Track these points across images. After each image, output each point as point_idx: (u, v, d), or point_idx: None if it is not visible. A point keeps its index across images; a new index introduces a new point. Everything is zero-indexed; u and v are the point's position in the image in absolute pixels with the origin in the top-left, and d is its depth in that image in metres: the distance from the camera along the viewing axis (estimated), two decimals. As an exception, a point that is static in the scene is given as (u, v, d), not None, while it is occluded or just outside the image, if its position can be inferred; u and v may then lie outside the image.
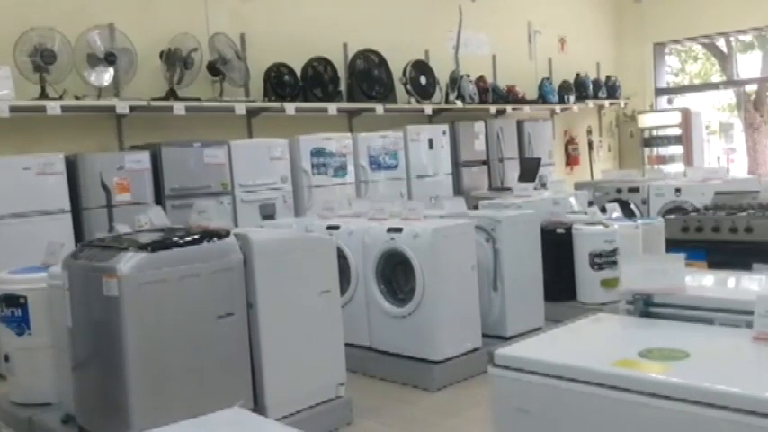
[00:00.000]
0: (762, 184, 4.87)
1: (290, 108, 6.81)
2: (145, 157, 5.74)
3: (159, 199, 5.75)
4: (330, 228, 4.95)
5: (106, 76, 5.88)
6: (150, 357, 3.16)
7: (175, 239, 3.35)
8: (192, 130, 6.37)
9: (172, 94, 6.23)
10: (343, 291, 4.74)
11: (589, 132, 11.35)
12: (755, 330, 1.90)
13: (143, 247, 3.22)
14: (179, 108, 6.10)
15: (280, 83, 6.99)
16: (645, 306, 2.31)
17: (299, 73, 7.13)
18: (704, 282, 2.55)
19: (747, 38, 15.48)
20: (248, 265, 3.45)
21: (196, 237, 3.38)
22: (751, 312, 1.92)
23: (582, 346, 2.16)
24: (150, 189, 5.73)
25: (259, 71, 6.93)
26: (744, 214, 4.04)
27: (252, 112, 6.84)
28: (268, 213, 6.22)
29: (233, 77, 6.66)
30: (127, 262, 3.12)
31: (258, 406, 3.50)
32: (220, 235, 3.42)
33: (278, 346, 3.55)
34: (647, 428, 1.74)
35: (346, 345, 4.05)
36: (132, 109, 5.93)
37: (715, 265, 3.64)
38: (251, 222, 5.94)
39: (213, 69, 6.55)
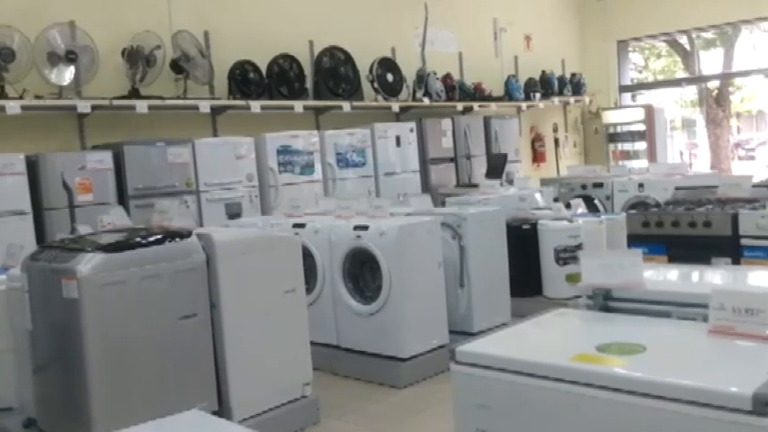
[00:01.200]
0: (721, 179, 4.95)
1: (256, 106, 6.76)
2: (107, 156, 5.65)
3: (122, 199, 5.66)
4: (296, 226, 4.93)
5: (67, 74, 5.77)
6: (112, 360, 3.12)
7: (136, 240, 3.31)
8: (156, 129, 6.29)
9: (134, 93, 6.14)
10: (309, 289, 4.73)
11: (555, 129, 11.46)
12: (710, 324, 1.93)
13: (103, 249, 3.18)
14: (142, 106, 6.02)
15: (245, 80, 6.94)
16: (604, 301, 2.33)
17: (264, 70, 7.08)
18: (663, 276, 2.58)
19: (709, 35, 15.76)
20: (211, 265, 3.42)
21: (157, 237, 3.34)
22: (707, 306, 1.95)
23: (542, 341, 2.18)
24: (113, 189, 5.64)
25: (223, 69, 6.87)
26: (702, 209, 4.10)
27: (216, 110, 6.78)
28: (234, 212, 6.17)
29: (197, 75, 6.59)
30: (86, 263, 3.07)
31: (222, 407, 3.48)
32: (182, 235, 3.39)
33: (242, 346, 3.52)
34: (606, 422, 1.75)
35: (313, 343, 4.05)
36: (94, 108, 5.83)
37: (675, 259, 3.70)
38: (217, 221, 5.89)
39: (177, 67, 6.47)
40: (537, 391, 1.87)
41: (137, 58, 6.18)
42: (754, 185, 4.55)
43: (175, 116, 6.55)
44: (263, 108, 6.84)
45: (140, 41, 6.21)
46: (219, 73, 6.84)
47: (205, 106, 6.48)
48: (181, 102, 6.41)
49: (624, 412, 1.71)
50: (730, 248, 3.77)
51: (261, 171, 6.53)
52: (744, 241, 3.76)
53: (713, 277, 2.57)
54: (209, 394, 3.45)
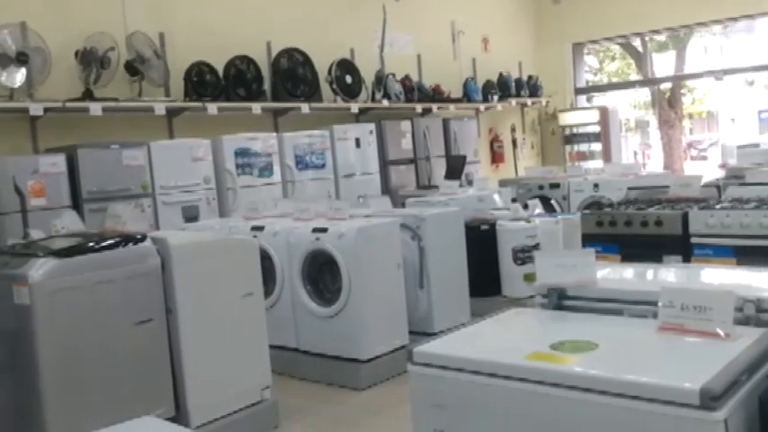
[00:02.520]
0: (672, 179, 5.06)
1: (213, 107, 6.69)
2: (60, 159, 5.53)
3: (77, 203, 5.54)
4: (254, 229, 4.90)
5: (18, 76, 5.63)
6: (65, 367, 3.06)
7: (89, 245, 3.25)
8: (110, 132, 6.18)
9: (88, 95, 6.03)
10: (268, 292, 4.71)
11: (513, 130, 11.58)
12: (660, 321, 1.97)
13: (55, 254, 3.12)
14: (96, 109, 5.91)
15: (201, 82, 6.86)
16: (559, 299, 2.37)
17: (221, 72, 7.02)
18: (615, 274, 2.63)
19: (662, 38, 16.11)
20: (166, 269, 3.38)
21: (111, 242, 3.28)
22: (657, 303, 1.99)
23: (497, 340, 2.20)
24: (67, 193, 5.52)
25: (179, 70, 6.78)
26: (654, 209, 4.19)
27: (172, 112, 6.69)
28: (191, 215, 6.09)
29: (152, 77, 6.50)
30: (38, 269, 3.01)
31: (180, 412, 3.44)
32: (136, 239, 3.34)
33: (199, 351, 3.49)
34: (559, 419, 1.78)
35: (272, 347, 4.03)
36: (47, 110, 5.70)
37: (628, 257, 3.77)
38: (173, 225, 5.81)
39: (131, 69, 6.37)
40: (492, 390, 1.89)
41: (90, 60, 6.07)
42: (704, 185, 4.66)
43: (130, 118, 6.45)
44: (220, 110, 6.77)
45: (94, 43, 6.10)
46: (175, 74, 6.75)
47: (161, 108, 6.39)
48: (136, 104, 6.32)
49: (577, 409, 1.73)
50: (681, 247, 3.85)
51: (218, 173, 6.46)
52: (693, 240, 3.85)
53: (663, 275, 2.63)
54: (165, 400, 3.41)
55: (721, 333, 1.85)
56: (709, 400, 1.54)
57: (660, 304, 1.97)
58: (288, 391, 4.32)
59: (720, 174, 5.99)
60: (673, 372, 1.70)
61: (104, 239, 3.33)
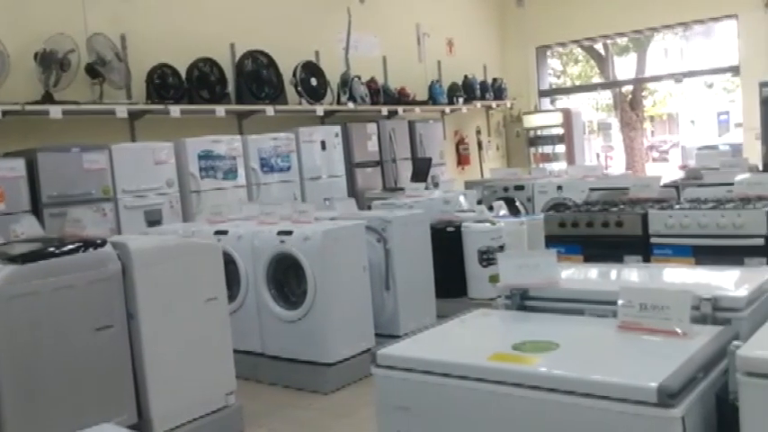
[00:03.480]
0: (632, 180, 5.14)
1: (175, 110, 6.61)
2: (19, 164, 5.42)
3: (36, 207, 5.44)
4: (218, 233, 4.85)
5: (-26, 78, 5.52)
6: (24, 374, 3.00)
7: (49, 250, 3.19)
8: (71, 135, 6.07)
9: (48, 98, 5.92)
10: (233, 297, 4.68)
11: (478, 132, 11.65)
12: (619, 320, 2.00)
13: (13, 260, 3.05)
14: (56, 112, 5.81)
15: (163, 84, 6.78)
16: (522, 300, 2.38)
17: (183, 74, 6.95)
18: (577, 275, 2.66)
19: (623, 41, 16.37)
20: (127, 274, 3.33)
21: (70, 247, 3.22)
22: (617, 303, 2.02)
23: (460, 341, 2.21)
24: (26, 197, 5.41)
25: (141, 73, 6.70)
26: (615, 210, 4.25)
27: (134, 115, 6.60)
28: (154, 219, 6.02)
29: (113, 79, 6.41)
30: (-6, 275, 2.94)
31: (143, 419, 3.39)
32: (96, 244, 3.28)
33: (162, 357, 3.44)
34: (520, 419, 1.79)
35: (237, 352, 3.99)
36: (5, 113, 5.58)
37: (591, 258, 3.82)
38: (136, 229, 5.73)
39: (92, 71, 6.27)
40: (455, 391, 1.90)
41: (50, 62, 5.96)
42: (663, 186, 4.74)
43: (91, 121, 6.35)
44: (182, 112, 6.70)
45: (53, 45, 5.99)
46: (137, 77, 6.67)
47: (122, 111, 6.30)
48: (97, 107, 6.22)
49: (537, 408, 1.75)
50: (641, 247, 3.91)
51: (181, 177, 6.39)
52: (653, 240, 3.91)
53: (623, 275, 2.66)
54: (127, 407, 3.36)
55: (679, 331, 1.88)
56: (667, 397, 1.56)
57: (619, 304, 2.00)
58: (253, 396, 4.28)
59: (680, 175, 6.10)
60: (631, 370, 1.73)
61: (64, 245, 3.27)
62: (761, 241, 3.66)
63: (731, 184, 4.28)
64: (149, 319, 3.39)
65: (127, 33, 6.73)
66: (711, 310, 1.99)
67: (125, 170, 5.99)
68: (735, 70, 11.03)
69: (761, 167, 6.02)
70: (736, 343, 1.64)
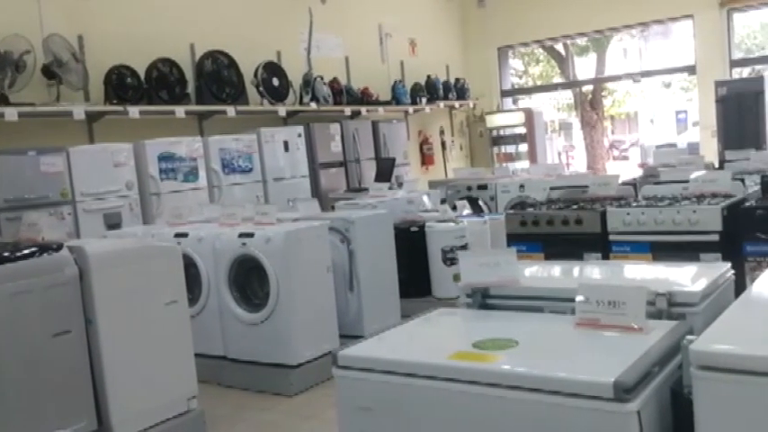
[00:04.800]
0: (591, 178, 5.21)
1: (134, 111, 6.52)
2: (-27, 167, 5.30)
3: (-9, 211, 5.32)
4: (178, 235, 4.79)
5: (-75, 79, 5.37)
6: (-23, 383, 2.92)
7: (3, 255, 3.11)
8: (27, 137, 5.95)
9: (3, 100, 5.79)
10: (194, 300, 4.63)
11: (442, 132, 11.70)
12: (577, 316, 2.02)
13: (-36, 265, 2.97)
14: (11, 114, 5.68)
15: (122, 85, 6.68)
16: (483, 299, 2.40)
17: (142, 75, 6.85)
18: (537, 273, 2.68)
19: (583, 41, 16.58)
20: (85, 278, 3.27)
21: (26, 251, 3.15)
22: (575, 300, 2.04)
23: (421, 341, 2.21)
24: (-19, 201, 5.30)
25: (99, 73, 6.59)
26: (574, 208, 4.30)
27: (92, 117, 6.50)
28: (113, 222, 5.92)
29: (70, 80, 6.29)
30: (-54, 281, 2.86)
31: (103, 426, 3.33)
32: (53, 248, 3.21)
33: (122, 362, 3.38)
34: (481, 417, 1.80)
35: (199, 355, 3.95)
36: (-43, 115, 5.46)
37: (551, 255, 3.86)
38: (95, 233, 5.63)
39: (48, 72, 6.16)
40: (416, 390, 1.90)
41: (5, 63, 5.84)
42: (621, 184, 4.82)
43: (48, 123, 6.23)
44: (142, 114, 6.61)
45: (8, 46, 5.86)
46: (95, 78, 6.56)
47: (80, 113, 6.20)
48: (54, 108, 6.11)
49: (497, 406, 1.76)
50: (600, 244, 3.96)
51: (141, 179, 6.30)
52: (612, 237, 3.97)
53: (582, 272, 2.70)
54: (87, 413, 3.30)
55: (635, 327, 1.90)
56: (623, 392, 1.58)
57: (577, 301, 2.02)
58: (216, 399, 4.24)
59: (639, 173, 6.20)
60: (588, 366, 1.75)
61: (19, 249, 3.19)
62: (715, 237, 3.73)
63: (687, 181, 4.37)
64: (108, 324, 3.33)
65: (84, 34, 6.62)
66: (667, 306, 2.02)
67: (83, 173, 5.89)
68: (691, 70, 11.25)
69: (717, 165, 6.15)
70: (689, 337, 1.67)
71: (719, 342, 1.62)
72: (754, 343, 1.61)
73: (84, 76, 6.44)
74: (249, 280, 4.67)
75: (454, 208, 6.52)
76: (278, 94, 8.08)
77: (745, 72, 12.10)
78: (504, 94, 12.51)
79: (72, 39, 6.44)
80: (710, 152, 9.09)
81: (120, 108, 6.50)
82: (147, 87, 6.87)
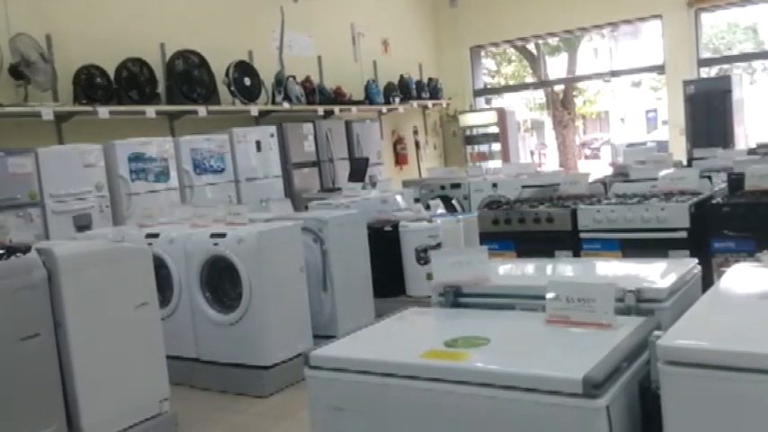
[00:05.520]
0: (562, 177, 5.26)
1: (104, 111, 6.45)
2: (-62, 168, 5.20)
3: (-43, 214, 5.23)
4: (149, 236, 4.74)
5: None
6: (-58, 389, 2.86)
7: (-32, 258, 3.06)
8: (-6, 138, 5.86)
9: (-32, 100, 5.70)
10: (165, 302, 4.59)
11: (415, 132, 11.73)
12: (548, 313, 2.04)
13: (-72, 269, 2.92)
14: (-23, 114, 5.60)
15: (91, 85, 6.61)
16: (455, 297, 2.40)
17: (112, 75, 6.78)
18: (508, 271, 2.69)
19: (554, 41, 16.73)
20: (53, 281, 3.22)
21: (-8, 254, 3.11)
22: (545, 297, 2.06)
23: (394, 340, 2.21)
24: (-54, 203, 5.20)
25: (68, 73, 6.50)
26: (545, 206, 4.33)
27: (61, 117, 6.41)
28: (83, 224, 5.84)
29: (38, 81, 6.20)
30: None
31: (73, 430, 3.29)
32: (20, 250, 3.17)
33: (92, 365, 3.34)
34: (453, 414, 1.80)
35: (171, 358, 3.92)
36: None
37: (523, 254, 3.89)
38: (65, 235, 5.55)
39: (16, 72, 6.07)
40: (388, 389, 1.90)
41: (-31, 63, 5.74)
42: (592, 182, 4.86)
43: (16, 124, 6.13)
44: (111, 114, 6.54)
45: (-27, 45, 5.77)
46: (64, 78, 6.47)
47: (48, 113, 6.11)
48: (21, 109, 6.02)
49: (469, 403, 1.76)
50: (571, 242, 4.00)
51: (111, 180, 6.23)
52: (582, 234, 4.01)
53: (552, 270, 2.72)
54: (56, 417, 3.25)
55: (604, 323, 1.92)
56: (592, 388, 1.59)
57: (547, 298, 2.04)
58: (188, 402, 4.21)
59: (610, 171, 6.26)
60: (558, 362, 1.76)
61: (-16, 252, 3.14)
62: (683, 234, 3.78)
63: (656, 179, 4.42)
64: (77, 327, 3.29)
65: (52, 33, 6.53)
66: (635, 302, 2.04)
67: (52, 174, 5.81)
68: (660, 69, 11.41)
69: (685, 163, 6.23)
70: (656, 333, 1.69)
71: (685, 337, 1.64)
72: (719, 338, 1.63)
73: (52, 77, 6.35)
74: (221, 281, 4.63)
75: (428, 207, 6.55)
76: (250, 94, 8.04)
77: (712, 71, 12.30)
78: (477, 93, 12.58)
79: (40, 38, 6.35)
80: (679, 150, 9.22)
81: (89, 108, 6.42)
82: (116, 87, 6.79)
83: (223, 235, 4.46)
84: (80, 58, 6.61)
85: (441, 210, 6.62)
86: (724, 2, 10.62)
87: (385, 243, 5.81)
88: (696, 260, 2.44)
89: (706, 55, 12.29)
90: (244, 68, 8.06)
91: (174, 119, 7.49)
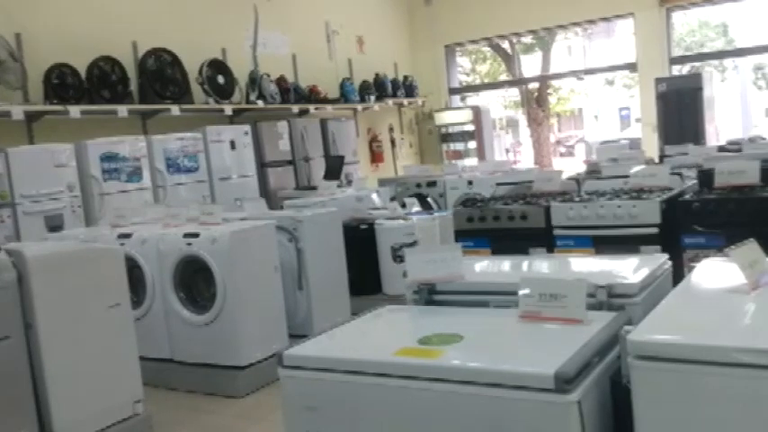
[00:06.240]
0: (535, 174, 5.29)
1: (75, 111, 6.36)
2: None
3: (-76, 215, 5.13)
4: (122, 236, 4.69)
5: None
6: None
7: (-66, 260, 3.01)
8: (-38, 138, 5.76)
9: (-65, 99, 5.60)
10: (138, 302, 4.54)
11: (391, 130, 11.73)
12: (521, 310, 2.05)
13: None
14: (-55, 114, 5.50)
15: (62, 84, 6.52)
16: (429, 295, 2.41)
17: (83, 74, 6.69)
18: (482, 268, 2.71)
19: (528, 40, 16.83)
20: (24, 282, 3.18)
21: (-41, 255, 3.05)
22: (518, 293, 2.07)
23: (367, 338, 2.21)
24: None
25: (38, 72, 6.41)
26: (519, 203, 4.36)
27: (32, 117, 6.32)
28: (55, 225, 5.77)
29: (8, 80, 6.11)
30: None
31: (45, 433, 3.24)
32: (-12, 252, 3.12)
33: (63, 367, 3.30)
34: (427, 412, 1.80)
35: (145, 359, 3.89)
36: None
37: (498, 251, 3.90)
38: (36, 236, 5.48)
39: (-16, 71, 5.96)
40: (362, 388, 1.89)
41: (-64, 62, 5.64)
42: (565, 179, 4.90)
43: (-16, 124, 6.04)
44: (83, 113, 6.46)
45: (-60, 43, 5.66)
46: (34, 77, 6.38)
47: (18, 113, 6.03)
48: (-10, 108, 5.92)
49: (442, 400, 1.77)
50: (545, 238, 4.02)
51: (83, 180, 6.16)
52: (556, 231, 4.04)
53: (526, 267, 2.73)
54: (28, 420, 3.21)
55: (576, 319, 1.94)
56: (563, 383, 1.60)
57: (520, 294, 2.05)
58: (163, 403, 4.17)
59: (583, 168, 6.31)
60: (530, 358, 1.77)
61: (-49, 254, 3.09)
62: (655, 230, 3.83)
63: (628, 176, 4.46)
64: (48, 329, 3.25)
65: (22, 31, 6.44)
66: (606, 297, 2.06)
67: (23, 174, 5.73)
68: (632, 67, 11.52)
69: (657, 160, 6.31)
70: (627, 328, 1.70)
71: (655, 332, 1.66)
72: (688, 332, 1.65)
73: (22, 76, 6.26)
74: (195, 281, 4.59)
75: (403, 205, 6.54)
76: (223, 93, 7.98)
77: (684, 69, 12.45)
78: (452, 91, 12.61)
79: (9, 37, 6.25)
80: (652, 147, 9.33)
81: (60, 108, 6.34)
82: (88, 86, 6.71)
83: (196, 235, 4.42)
84: (51, 57, 6.52)
85: (416, 208, 6.63)
86: (695, 0, 10.75)
87: (361, 241, 5.81)
88: (667, 255, 2.47)
89: (678, 53, 12.45)
90: (217, 67, 8.00)
91: (146, 118, 7.41)
